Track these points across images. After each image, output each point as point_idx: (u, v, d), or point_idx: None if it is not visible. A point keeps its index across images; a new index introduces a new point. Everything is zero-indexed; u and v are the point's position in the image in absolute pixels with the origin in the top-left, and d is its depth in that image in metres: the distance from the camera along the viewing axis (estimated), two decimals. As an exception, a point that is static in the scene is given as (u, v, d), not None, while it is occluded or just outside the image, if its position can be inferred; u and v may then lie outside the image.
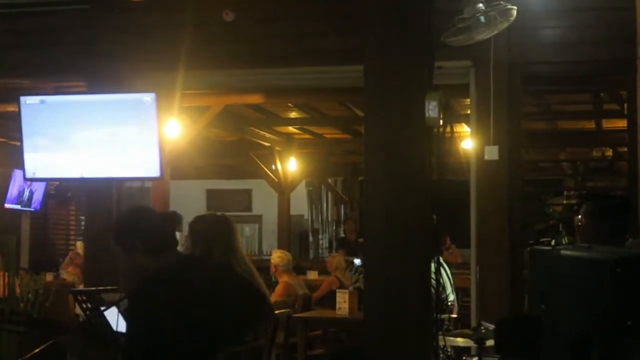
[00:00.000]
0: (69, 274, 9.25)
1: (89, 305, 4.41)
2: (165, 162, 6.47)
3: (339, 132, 12.21)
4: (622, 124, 6.77)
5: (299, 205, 15.54)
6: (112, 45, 6.70)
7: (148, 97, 6.15)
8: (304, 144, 12.88)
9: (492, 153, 6.00)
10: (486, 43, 5.66)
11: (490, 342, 4.65)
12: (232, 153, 13.04)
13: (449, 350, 5.36)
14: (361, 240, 10.79)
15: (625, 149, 6.45)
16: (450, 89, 6.00)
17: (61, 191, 12.27)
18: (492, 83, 5.98)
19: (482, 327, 4.69)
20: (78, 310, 5.06)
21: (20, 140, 6.44)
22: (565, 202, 10.92)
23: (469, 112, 6.47)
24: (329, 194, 16.42)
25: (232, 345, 3.53)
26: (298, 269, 10.50)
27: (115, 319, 3.83)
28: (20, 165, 6.48)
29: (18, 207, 10.93)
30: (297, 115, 10.85)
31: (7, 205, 10.70)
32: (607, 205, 4.22)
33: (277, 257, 8.69)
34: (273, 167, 12.94)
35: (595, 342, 2.26)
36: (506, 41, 5.92)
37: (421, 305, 4.50)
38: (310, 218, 16.56)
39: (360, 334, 6.15)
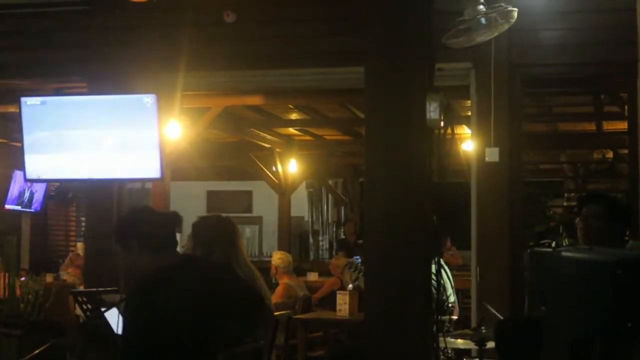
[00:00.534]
0: (69, 275, 9.25)
1: (89, 306, 4.42)
2: (165, 163, 6.48)
3: (339, 133, 12.21)
4: (622, 126, 6.77)
5: (300, 206, 15.53)
6: (112, 46, 6.70)
7: (148, 98, 6.16)
8: (305, 145, 12.87)
9: (492, 155, 6.00)
10: (487, 45, 5.66)
11: (490, 344, 4.65)
12: (233, 154, 13.03)
13: (450, 351, 5.35)
14: (361, 241, 10.79)
15: (626, 151, 6.45)
16: (451, 91, 5.99)
17: (61, 192, 12.27)
18: (492, 85, 5.98)
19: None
20: (78, 311, 5.06)
21: (21, 141, 6.45)
22: (565, 204, 10.95)
23: (469, 113, 6.47)
24: (329, 195, 16.42)
25: (231, 346, 3.53)
26: (298, 271, 10.52)
27: (116, 320, 3.83)
28: (21, 166, 6.48)
29: (18, 208, 10.93)
30: (298, 117, 10.84)
31: (7, 206, 10.69)
32: (607, 207, 4.22)
33: (278, 258, 8.70)
34: (273, 168, 12.93)
35: (596, 344, 2.27)
36: (507, 43, 5.92)
37: (422, 307, 4.48)
38: (310, 219, 16.55)
39: (361, 335, 6.14)
